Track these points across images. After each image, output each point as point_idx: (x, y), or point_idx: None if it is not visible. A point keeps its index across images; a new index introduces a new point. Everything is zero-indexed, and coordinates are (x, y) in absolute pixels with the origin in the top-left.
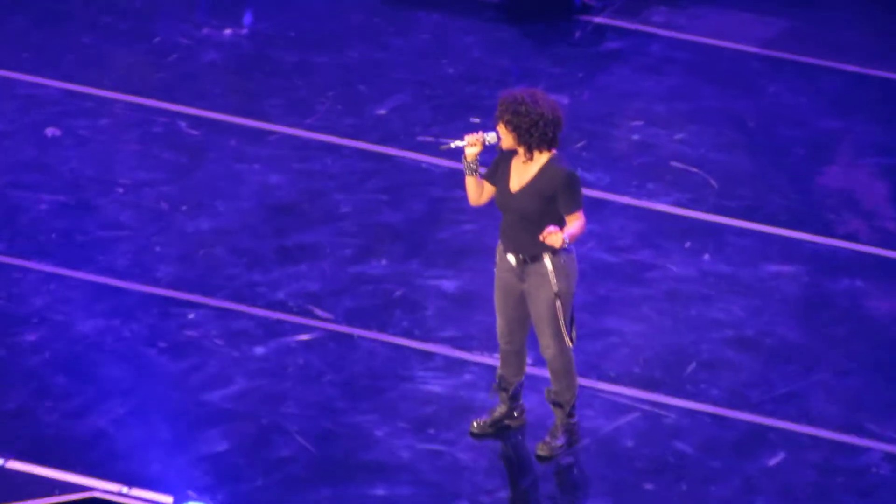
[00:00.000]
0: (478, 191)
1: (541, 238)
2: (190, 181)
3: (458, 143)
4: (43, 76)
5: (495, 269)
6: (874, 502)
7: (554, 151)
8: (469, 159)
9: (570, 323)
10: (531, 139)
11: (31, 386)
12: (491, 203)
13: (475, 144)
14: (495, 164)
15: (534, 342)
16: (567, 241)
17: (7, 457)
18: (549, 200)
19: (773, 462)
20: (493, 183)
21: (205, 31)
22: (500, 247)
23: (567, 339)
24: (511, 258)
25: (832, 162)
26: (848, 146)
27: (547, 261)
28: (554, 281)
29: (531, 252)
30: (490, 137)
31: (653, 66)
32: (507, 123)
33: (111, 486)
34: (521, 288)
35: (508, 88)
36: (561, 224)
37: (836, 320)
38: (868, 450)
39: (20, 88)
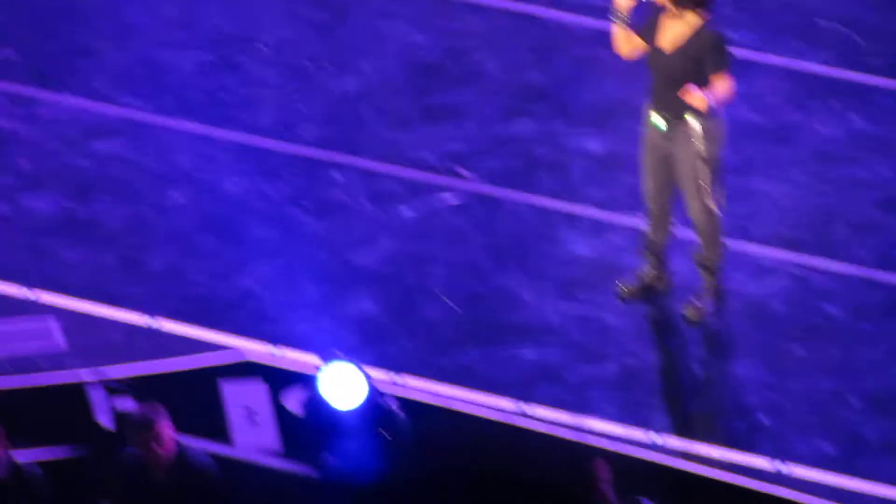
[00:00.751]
0: (625, 40)
1: (681, 96)
2: (334, 40)
3: None
4: None
5: (644, 129)
6: None
7: (705, 15)
8: (619, 7)
9: (718, 186)
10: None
11: (179, 246)
12: (637, 64)
13: None
14: (649, 20)
15: (681, 204)
16: (710, 103)
17: (156, 315)
18: (697, 63)
19: None
20: (643, 39)
21: None
22: (648, 107)
23: (712, 203)
24: (658, 119)
25: None
26: None
27: (694, 123)
28: (700, 143)
29: (678, 113)
30: None
31: None
32: None
33: (258, 346)
34: (669, 149)
35: None
36: (708, 86)
37: None
38: None
39: None
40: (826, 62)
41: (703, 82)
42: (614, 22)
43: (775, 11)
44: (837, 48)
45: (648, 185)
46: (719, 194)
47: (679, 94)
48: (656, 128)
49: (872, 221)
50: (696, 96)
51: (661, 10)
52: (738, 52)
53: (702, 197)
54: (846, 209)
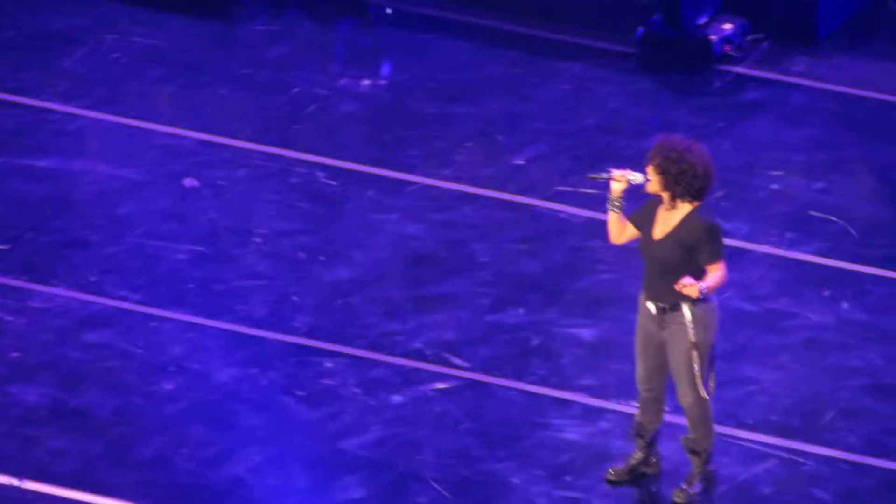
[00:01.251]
0: (619, 228)
1: (676, 288)
2: (327, 231)
3: (604, 175)
4: (180, 127)
5: (637, 316)
6: None
7: (697, 204)
8: (613, 195)
9: (710, 372)
10: (676, 187)
11: (169, 434)
12: (629, 252)
13: (621, 180)
14: (643, 208)
15: (673, 390)
16: (704, 292)
17: None
18: (689, 250)
19: None
20: (637, 226)
21: (342, 81)
22: (642, 294)
23: (702, 390)
24: (651, 306)
25: None
26: None
27: (686, 310)
28: (692, 331)
29: (671, 301)
30: (636, 177)
31: (793, 116)
32: (656, 166)
33: None
34: (661, 336)
35: (646, 141)
36: (701, 275)
37: None
38: None
39: (158, 139)
40: (819, 252)
41: (695, 270)
42: (608, 209)
43: (768, 202)
44: (830, 238)
45: (641, 370)
46: (710, 382)
47: (672, 282)
48: (649, 314)
49: (862, 408)
50: (688, 287)
51: (654, 198)
52: (731, 242)
53: (692, 385)
54: (837, 396)
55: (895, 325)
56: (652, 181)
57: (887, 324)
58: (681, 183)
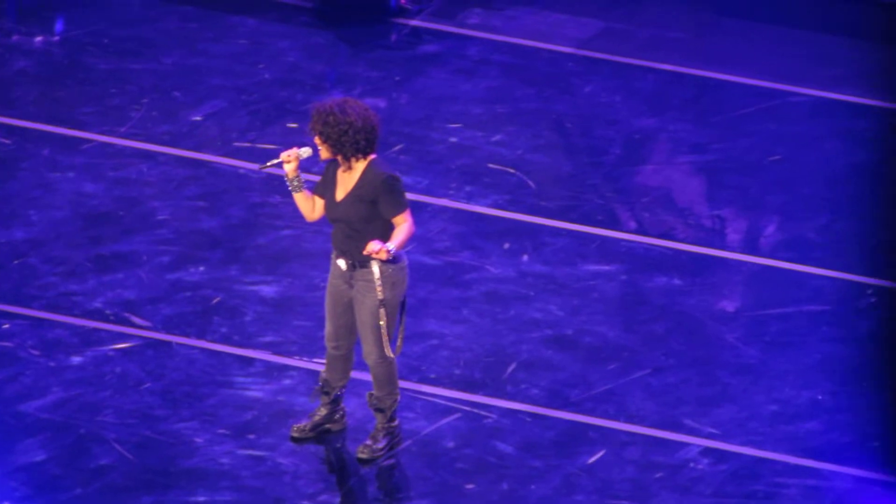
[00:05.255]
0: (308, 205)
1: (365, 253)
2: (2, 191)
3: (275, 162)
4: None
5: (329, 275)
6: (692, 497)
7: (372, 157)
8: (290, 176)
9: (398, 331)
10: (344, 148)
11: None
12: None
13: (290, 161)
14: (323, 176)
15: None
16: (393, 252)
17: None
18: (371, 205)
19: (592, 459)
20: (322, 196)
21: (14, 38)
22: (333, 252)
23: (387, 348)
24: (341, 263)
25: (647, 161)
26: (662, 144)
27: (375, 268)
28: (380, 289)
29: (359, 258)
30: (304, 151)
31: (470, 69)
32: (319, 135)
33: None
34: (350, 293)
35: (323, 95)
36: (389, 229)
37: (652, 318)
38: (686, 445)
39: None
40: (496, 205)
41: (382, 224)
42: (290, 191)
43: (446, 155)
44: (508, 191)
45: (330, 327)
46: (399, 341)
47: (360, 240)
48: (339, 272)
49: (543, 360)
50: (375, 249)
51: (332, 163)
52: (411, 196)
53: (377, 342)
54: (518, 348)
55: (573, 276)
56: (321, 149)
57: (565, 275)
58: (346, 143)
